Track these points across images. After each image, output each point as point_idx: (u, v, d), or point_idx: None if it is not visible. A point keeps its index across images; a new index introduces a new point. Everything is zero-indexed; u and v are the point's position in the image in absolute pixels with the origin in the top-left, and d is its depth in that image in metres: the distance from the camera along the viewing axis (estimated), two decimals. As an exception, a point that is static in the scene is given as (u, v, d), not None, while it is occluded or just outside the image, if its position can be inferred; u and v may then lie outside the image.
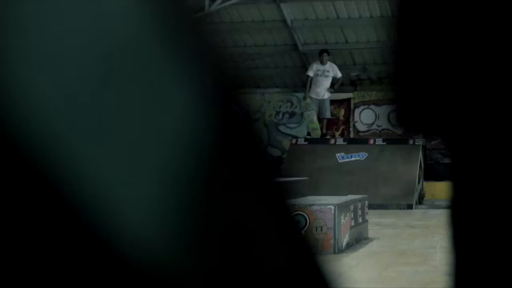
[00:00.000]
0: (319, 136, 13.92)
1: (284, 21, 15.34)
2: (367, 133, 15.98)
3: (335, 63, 14.43)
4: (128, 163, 0.51)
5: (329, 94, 14.01)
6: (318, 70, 13.79)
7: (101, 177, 0.50)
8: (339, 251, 6.79)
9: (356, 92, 16.46)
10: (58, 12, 0.50)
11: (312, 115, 14.01)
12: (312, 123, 14.06)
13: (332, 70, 13.86)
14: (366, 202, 8.16)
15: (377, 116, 16.14)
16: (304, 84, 14.06)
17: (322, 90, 13.75)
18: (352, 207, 7.39)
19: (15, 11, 0.49)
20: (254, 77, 16.43)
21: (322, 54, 13.88)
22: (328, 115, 14.17)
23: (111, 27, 0.52)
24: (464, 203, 0.84)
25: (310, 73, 13.79)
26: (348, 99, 16.47)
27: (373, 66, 15.80)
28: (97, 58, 0.51)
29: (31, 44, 0.49)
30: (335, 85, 13.91)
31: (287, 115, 17.05)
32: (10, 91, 0.48)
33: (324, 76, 13.82)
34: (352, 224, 7.31)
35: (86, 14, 0.51)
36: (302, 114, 14.51)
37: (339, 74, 13.86)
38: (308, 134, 14.23)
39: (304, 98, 13.91)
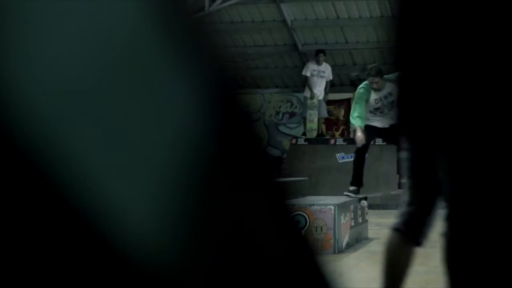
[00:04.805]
0: (314, 137, 13.97)
1: (284, 21, 15.34)
2: (367, 133, 15.94)
3: (334, 63, 14.45)
4: (128, 162, 0.51)
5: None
6: (313, 70, 13.82)
7: (101, 176, 0.50)
8: (339, 251, 6.78)
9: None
10: (59, 12, 0.50)
11: (314, 115, 14.06)
12: (311, 123, 14.10)
13: (327, 71, 13.90)
14: (366, 202, 8.16)
15: (377, 116, 16.12)
16: (304, 85, 14.09)
17: (318, 91, 13.81)
18: (352, 207, 7.39)
19: (15, 11, 0.49)
20: (254, 77, 16.43)
21: (318, 54, 13.90)
22: (325, 114, 14.20)
23: (111, 27, 0.52)
24: (464, 203, 0.84)
25: (307, 73, 13.81)
26: (348, 99, 16.46)
27: (373, 66, 15.77)
28: (97, 58, 0.51)
29: (32, 43, 0.49)
30: (326, 89, 13.96)
31: (287, 115, 17.06)
32: (11, 91, 0.48)
33: (320, 77, 13.86)
34: (352, 224, 7.31)
35: (86, 13, 0.51)
36: (304, 111, 14.53)
37: (331, 77, 13.90)
38: (304, 134, 14.28)
39: (312, 97, 13.91)
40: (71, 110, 0.50)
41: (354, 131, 8.20)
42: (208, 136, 0.55)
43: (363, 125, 8.00)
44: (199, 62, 0.56)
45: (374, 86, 7.67)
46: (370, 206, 8.68)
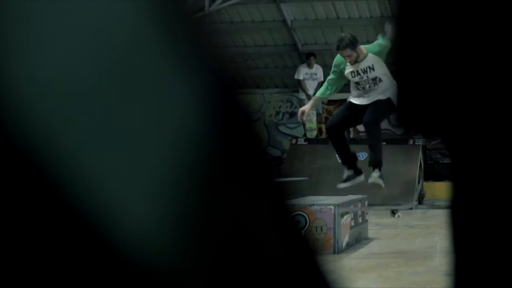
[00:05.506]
0: (314, 137, 14.06)
1: (284, 21, 15.35)
2: (367, 133, 15.94)
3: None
4: (128, 162, 0.51)
5: None
6: (306, 74, 14.02)
7: (101, 177, 0.50)
8: (339, 251, 6.79)
9: (356, 92, 16.45)
10: (59, 11, 0.50)
11: (313, 115, 14.13)
12: (310, 123, 14.16)
13: (318, 73, 14.06)
14: (366, 202, 8.16)
15: (377, 116, 16.12)
16: (300, 87, 14.26)
17: (312, 94, 13.99)
18: (352, 207, 7.39)
19: (15, 11, 0.49)
20: (254, 77, 16.43)
21: (309, 58, 14.09)
22: (320, 110, 14.37)
23: (111, 27, 0.52)
24: (464, 203, 0.84)
25: (300, 77, 14.02)
26: (348, 99, 16.45)
27: (373, 66, 15.77)
28: (97, 58, 0.51)
29: (32, 43, 0.49)
30: (316, 89, 14.12)
31: (287, 115, 17.07)
32: (11, 91, 0.48)
33: (312, 80, 14.03)
34: (352, 224, 7.31)
35: (86, 13, 0.51)
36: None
37: (322, 78, 14.04)
38: (304, 135, 14.36)
39: (309, 99, 14.04)
40: (71, 110, 0.50)
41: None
42: (208, 136, 0.55)
43: (323, 95, 6.99)
44: (199, 62, 0.56)
45: (347, 59, 6.60)
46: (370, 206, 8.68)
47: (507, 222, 0.80)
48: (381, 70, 6.67)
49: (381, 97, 6.69)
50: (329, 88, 6.97)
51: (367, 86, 6.75)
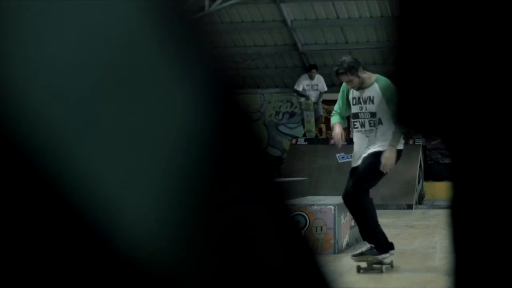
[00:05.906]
0: (313, 137, 14.10)
1: (284, 21, 15.35)
2: (367, 133, 15.95)
3: (334, 63, 14.53)
4: (128, 163, 0.51)
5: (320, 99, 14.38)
6: (306, 85, 14.14)
7: (101, 177, 0.50)
8: (339, 251, 6.80)
9: (356, 92, 16.46)
10: (59, 12, 0.50)
11: (310, 116, 14.17)
12: (308, 124, 14.20)
13: (320, 83, 14.15)
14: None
15: (377, 116, 16.13)
16: (299, 94, 14.37)
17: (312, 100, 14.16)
18: (352, 207, 7.38)
19: (14, 11, 0.49)
20: (254, 77, 16.44)
21: (311, 70, 14.17)
22: (321, 113, 14.43)
23: (111, 27, 0.52)
24: (464, 203, 0.84)
25: (299, 88, 14.13)
26: (348, 99, 16.46)
27: (373, 66, 15.79)
28: (97, 58, 0.51)
29: (32, 44, 0.49)
30: (318, 99, 14.20)
31: (287, 115, 17.08)
32: (11, 92, 0.48)
33: (313, 90, 14.14)
34: (352, 224, 7.31)
35: (86, 14, 0.51)
36: (302, 112, 14.71)
37: (325, 88, 14.14)
38: (304, 134, 14.41)
39: (307, 98, 14.08)
40: (71, 110, 0.50)
41: (332, 127, 6.24)
42: (208, 136, 0.55)
43: (342, 123, 6.19)
44: (199, 62, 0.56)
45: (348, 86, 5.96)
46: (370, 206, 8.66)
47: (507, 222, 0.80)
48: (380, 108, 5.90)
49: (380, 148, 5.95)
50: (341, 114, 6.19)
51: (367, 122, 6.01)
